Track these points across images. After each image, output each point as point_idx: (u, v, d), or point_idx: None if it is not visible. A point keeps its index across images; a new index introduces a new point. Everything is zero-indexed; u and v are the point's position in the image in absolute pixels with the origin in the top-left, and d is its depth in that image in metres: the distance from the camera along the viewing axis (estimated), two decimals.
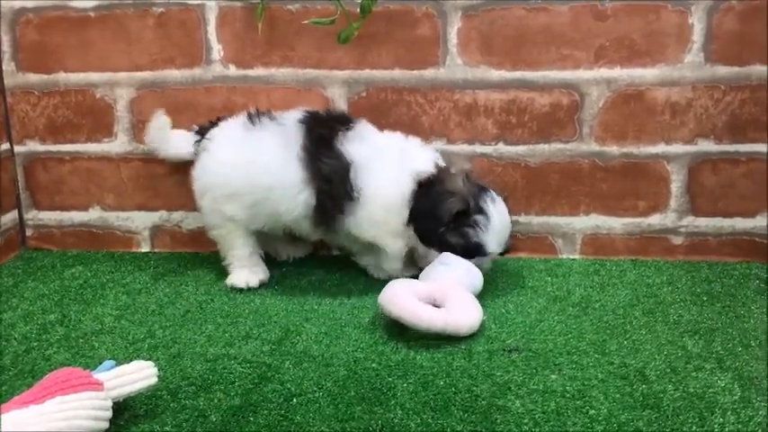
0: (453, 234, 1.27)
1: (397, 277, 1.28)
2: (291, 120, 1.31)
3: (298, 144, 1.28)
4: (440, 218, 1.25)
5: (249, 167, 1.30)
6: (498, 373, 1.01)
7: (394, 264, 1.36)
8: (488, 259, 1.32)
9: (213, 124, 1.39)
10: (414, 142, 1.35)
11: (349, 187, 1.27)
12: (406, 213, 1.28)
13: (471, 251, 1.27)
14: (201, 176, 1.35)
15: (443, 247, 1.27)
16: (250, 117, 1.34)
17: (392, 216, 1.29)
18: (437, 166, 1.30)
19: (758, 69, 1.37)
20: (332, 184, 1.27)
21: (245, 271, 1.37)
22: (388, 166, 1.28)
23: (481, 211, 1.26)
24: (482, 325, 1.15)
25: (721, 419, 0.89)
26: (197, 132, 1.40)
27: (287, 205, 1.29)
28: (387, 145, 1.31)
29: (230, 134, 1.34)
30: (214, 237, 1.39)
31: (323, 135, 1.29)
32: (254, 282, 1.36)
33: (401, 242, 1.32)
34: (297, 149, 1.27)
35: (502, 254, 1.33)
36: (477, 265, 1.27)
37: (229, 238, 1.37)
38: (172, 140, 1.43)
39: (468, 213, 1.25)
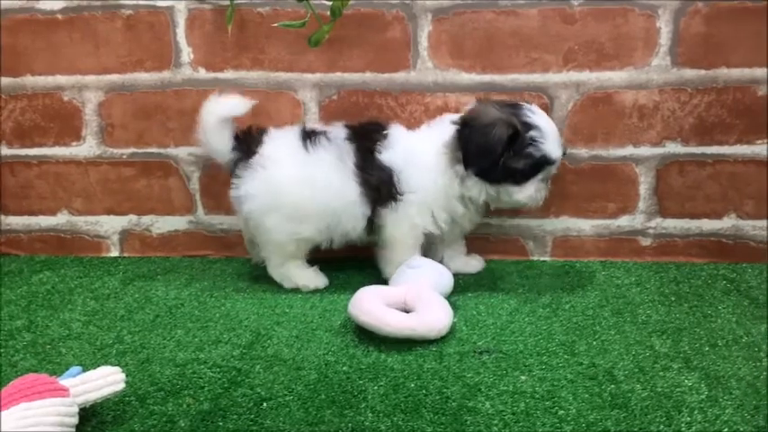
0: (516, 159, 1.25)
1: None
2: (340, 137, 1.32)
3: (351, 160, 1.30)
4: (494, 150, 1.23)
5: (318, 190, 1.30)
6: (469, 375, 1.01)
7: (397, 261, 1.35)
8: (555, 166, 1.31)
9: (252, 135, 1.35)
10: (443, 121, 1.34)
11: (393, 190, 1.30)
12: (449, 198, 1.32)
13: (540, 166, 1.27)
14: (263, 194, 1.31)
15: (512, 175, 1.26)
16: (305, 137, 1.33)
17: (428, 209, 1.32)
18: (454, 120, 1.29)
19: (724, 72, 1.38)
20: (380, 191, 1.30)
21: (310, 272, 1.39)
22: (421, 164, 1.30)
23: (529, 125, 1.24)
24: (453, 327, 1.16)
25: (688, 418, 0.89)
26: (236, 139, 1.35)
27: (354, 223, 1.33)
28: (416, 141, 1.33)
29: (289, 152, 1.32)
30: (273, 251, 1.38)
31: (368, 148, 1.31)
32: (321, 282, 1.39)
33: (407, 255, 1.33)
34: (351, 166, 1.30)
35: (563, 155, 1.31)
36: (546, 177, 1.29)
37: (290, 250, 1.36)
38: (221, 135, 1.35)
39: (519, 133, 1.24)
